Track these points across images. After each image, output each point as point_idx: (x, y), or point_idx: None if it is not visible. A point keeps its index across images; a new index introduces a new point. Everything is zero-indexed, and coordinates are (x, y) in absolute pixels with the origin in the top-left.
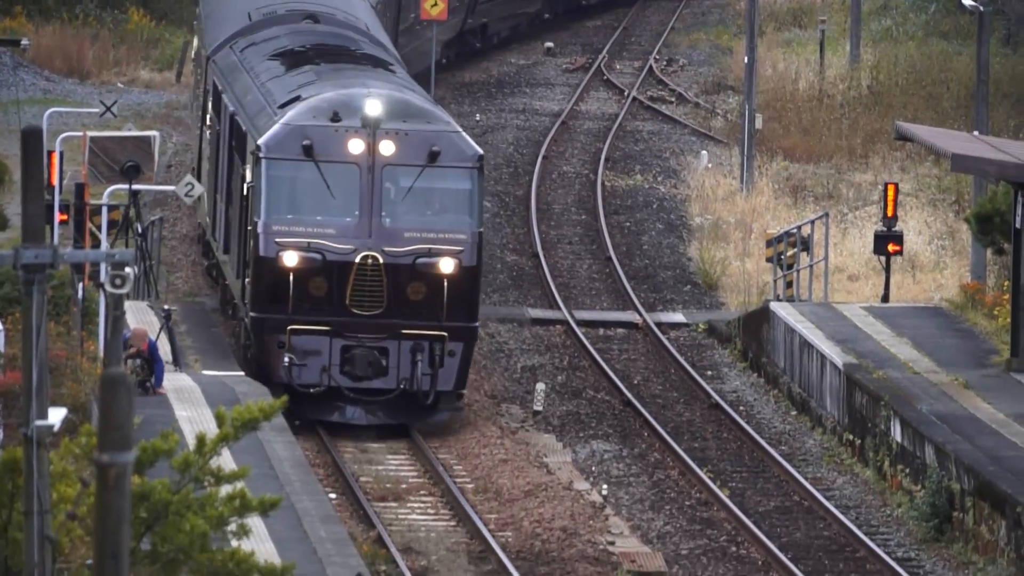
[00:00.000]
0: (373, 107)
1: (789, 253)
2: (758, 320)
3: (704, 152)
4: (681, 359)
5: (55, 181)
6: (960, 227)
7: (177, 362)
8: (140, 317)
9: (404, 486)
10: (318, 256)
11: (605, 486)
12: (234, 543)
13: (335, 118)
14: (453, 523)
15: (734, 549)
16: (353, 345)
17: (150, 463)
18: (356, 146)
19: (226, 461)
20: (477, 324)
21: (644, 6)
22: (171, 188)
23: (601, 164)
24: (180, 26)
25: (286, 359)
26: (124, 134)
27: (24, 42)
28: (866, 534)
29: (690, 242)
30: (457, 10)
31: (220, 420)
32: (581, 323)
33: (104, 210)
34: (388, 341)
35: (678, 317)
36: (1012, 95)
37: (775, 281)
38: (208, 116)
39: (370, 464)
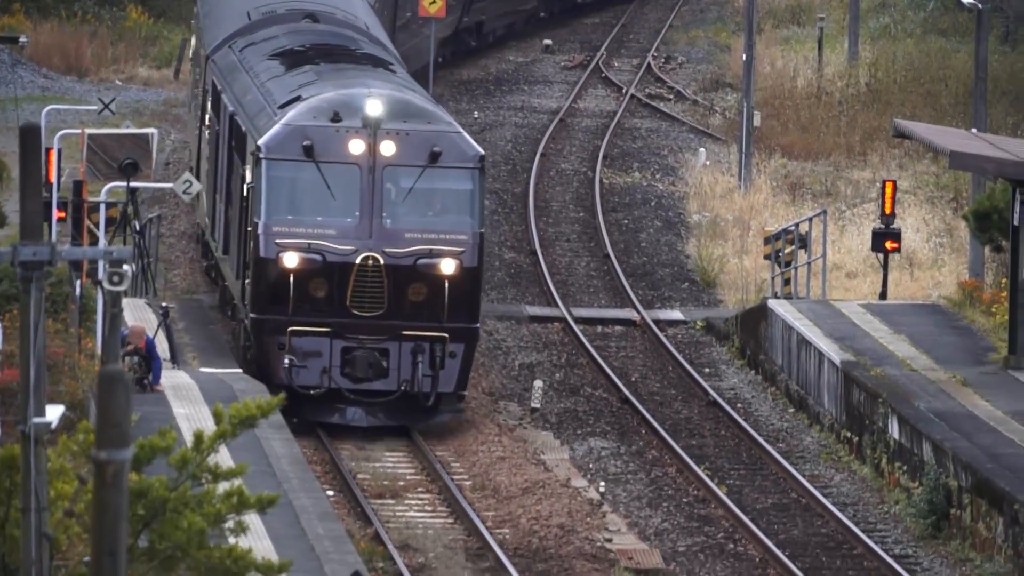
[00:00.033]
0: (374, 107)
1: (787, 250)
2: (756, 317)
3: (702, 149)
4: (679, 356)
5: (53, 178)
6: (958, 224)
7: (175, 359)
8: (138, 314)
9: (402, 483)
10: (318, 257)
11: (603, 483)
12: (231, 540)
13: (336, 118)
14: (451, 520)
15: (732, 546)
16: (354, 346)
17: (148, 460)
18: (357, 146)
19: (224, 458)
20: (478, 325)
21: (642, 3)
22: (169, 185)
23: (599, 161)
24: (178, 23)
25: (286, 360)
26: (122, 131)
27: (22, 39)
28: (864, 531)
29: (688, 239)
30: (453, 8)
31: (218, 417)
32: (579, 320)
33: (102, 207)
34: (389, 342)
35: (676, 314)
36: (1010, 92)
37: (773, 278)
38: (207, 116)
39: (367, 461)
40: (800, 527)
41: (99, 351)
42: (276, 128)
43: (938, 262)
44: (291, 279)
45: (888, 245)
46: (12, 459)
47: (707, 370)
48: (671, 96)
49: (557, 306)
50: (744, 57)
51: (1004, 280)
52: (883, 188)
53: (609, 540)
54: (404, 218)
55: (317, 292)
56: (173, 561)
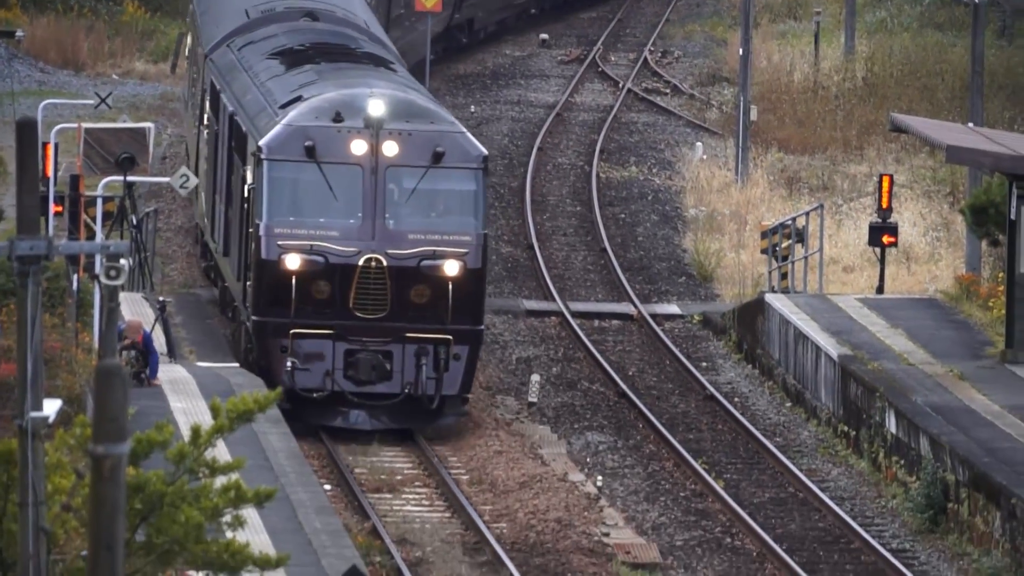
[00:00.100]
0: (376, 107)
1: (784, 245)
2: (753, 312)
3: (699, 144)
4: (676, 351)
5: (50, 173)
6: (955, 219)
7: (172, 353)
8: (135, 309)
9: (399, 477)
10: (321, 259)
11: (600, 477)
12: (229, 534)
13: (337, 118)
14: (448, 514)
15: (729, 540)
16: (357, 349)
17: (145, 454)
18: (359, 147)
19: (221, 453)
20: (483, 327)
21: None
22: (166, 180)
23: (596, 156)
24: (175, 18)
25: (288, 363)
26: (119, 126)
27: (19, 33)
28: (861, 525)
29: (685, 234)
30: (444, 5)
31: (215, 412)
32: (576, 315)
33: (99, 202)
34: (392, 345)
35: (673, 309)
36: (1007, 87)
37: (770, 273)
38: (205, 115)
39: (365, 456)
40: (797, 521)
41: (96, 345)
42: (277, 128)
43: (935, 256)
44: (293, 281)
45: (885, 239)
46: (9, 453)
47: (704, 364)
48: (668, 90)
49: (554, 300)
50: (740, 51)
51: (1001, 274)
52: (880, 182)
53: (606, 534)
54: (407, 219)
55: (319, 294)
56: (170, 555)
